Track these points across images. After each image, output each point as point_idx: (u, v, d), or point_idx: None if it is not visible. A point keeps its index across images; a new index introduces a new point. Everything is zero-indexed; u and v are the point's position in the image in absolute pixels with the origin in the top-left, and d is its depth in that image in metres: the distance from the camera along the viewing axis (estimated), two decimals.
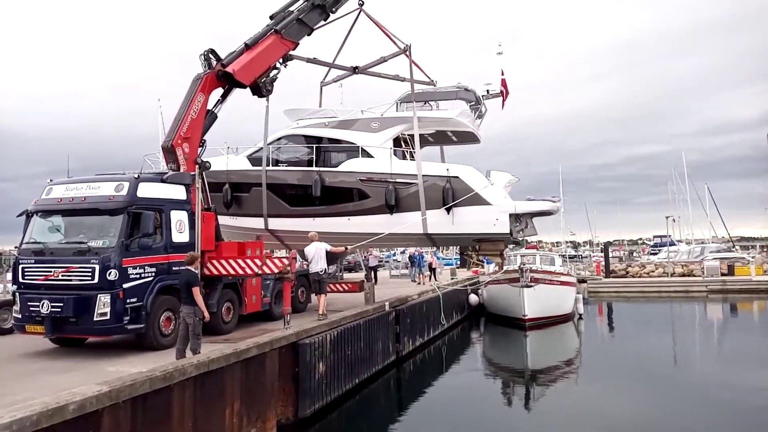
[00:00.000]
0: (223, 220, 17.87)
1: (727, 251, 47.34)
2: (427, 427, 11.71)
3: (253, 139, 18.71)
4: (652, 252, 67.03)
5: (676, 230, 63.30)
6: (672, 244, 57.01)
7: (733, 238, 61.49)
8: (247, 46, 14.95)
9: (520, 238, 19.44)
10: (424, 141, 19.39)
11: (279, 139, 18.30)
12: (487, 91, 20.33)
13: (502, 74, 20.17)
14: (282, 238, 18.03)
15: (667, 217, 55.59)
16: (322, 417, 11.54)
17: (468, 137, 19.98)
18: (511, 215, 16.55)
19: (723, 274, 36.91)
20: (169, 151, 12.61)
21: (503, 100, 20.33)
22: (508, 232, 16.53)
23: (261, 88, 15.56)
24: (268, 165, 17.28)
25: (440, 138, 19.82)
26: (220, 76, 14.08)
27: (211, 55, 14.30)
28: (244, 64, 14.53)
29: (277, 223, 17.28)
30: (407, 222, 16.39)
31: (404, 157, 17.66)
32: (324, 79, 20.39)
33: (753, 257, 43.90)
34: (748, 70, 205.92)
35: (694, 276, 38.22)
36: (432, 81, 19.42)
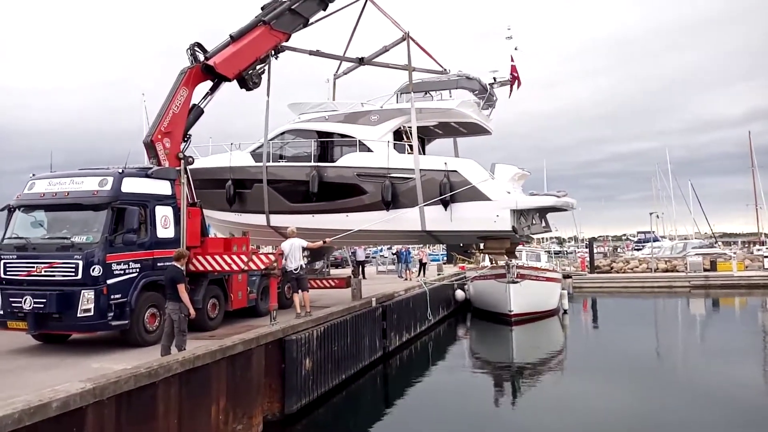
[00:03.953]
0: (226, 216, 17.67)
1: (709, 247, 47.98)
2: (413, 423, 11.75)
3: (256, 135, 18.38)
4: (636, 248, 67.77)
5: (660, 226, 64.12)
6: (656, 240, 57.67)
7: (715, 234, 62.37)
8: (233, 39, 14.79)
9: (531, 236, 18.42)
10: (432, 133, 18.85)
11: (283, 133, 17.86)
12: (494, 78, 18.98)
13: (512, 60, 18.79)
14: (285, 234, 17.76)
15: (651, 214, 56.28)
16: (308, 413, 11.53)
17: (475, 128, 18.91)
18: (513, 211, 15.58)
19: (706, 270, 37.40)
20: (149, 147, 12.51)
21: (510, 88, 18.91)
22: (510, 228, 15.56)
23: (247, 81, 15.41)
24: (270, 160, 16.92)
25: (449, 130, 18.85)
26: (204, 69, 13.95)
27: (197, 49, 14.17)
28: (226, 56, 14.38)
29: (278, 220, 16.86)
30: (404, 218, 15.88)
31: (405, 151, 16.94)
32: (336, 72, 19.90)
33: (735, 253, 44.50)
34: (737, 67, 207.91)
35: (677, 271, 38.71)
36: (445, 69, 18.48)
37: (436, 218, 15.85)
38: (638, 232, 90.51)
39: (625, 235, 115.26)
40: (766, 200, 58.13)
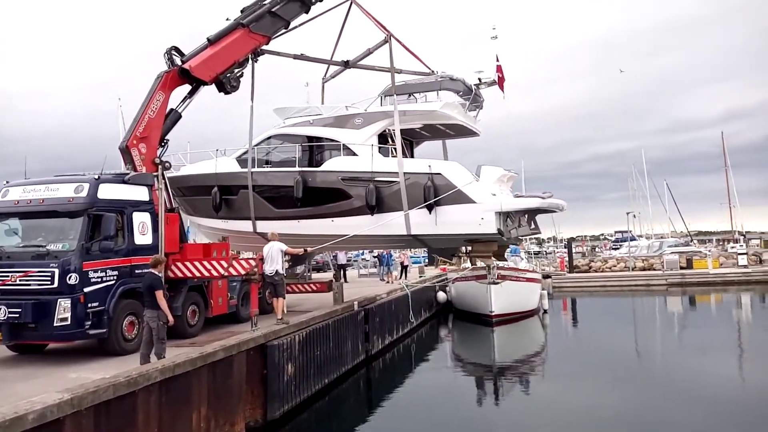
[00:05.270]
0: (213, 223, 17.46)
1: (684, 245, 48.82)
2: (397, 425, 11.75)
3: (239, 139, 18.22)
4: (614, 247, 68.65)
5: (637, 226, 65.15)
6: (632, 239, 58.52)
7: (691, 232, 63.49)
8: (210, 42, 14.67)
9: (519, 238, 18.46)
10: (419, 136, 18.73)
11: (268, 138, 17.61)
12: (479, 79, 18.80)
13: (497, 60, 18.56)
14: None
15: (627, 213, 57.12)
16: (291, 418, 11.47)
17: (462, 130, 18.67)
18: (499, 213, 15.36)
19: (682, 268, 38.05)
20: (125, 152, 12.39)
21: (501, 87, 18.61)
22: (495, 231, 15.39)
23: (225, 85, 15.29)
24: (256, 166, 16.71)
25: (435, 132, 18.62)
26: (180, 73, 13.83)
27: (174, 53, 14.05)
28: (203, 60, 14.27)
29: (265, 226, 16.40)
30: (389, 223, 15.65)
31: (390, 154, 16.71)
32: (324, 76, 19.69)
33: (710, 251, 45.31)
34: (716, 69, 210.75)
35: (655, 270, 39.31)
36: (432, 71, 18.30)
37: (422, 222, 15.61)
38: (616, 232, 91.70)
39: (602, 234, 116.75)
40: (740, 199, 59.44)
